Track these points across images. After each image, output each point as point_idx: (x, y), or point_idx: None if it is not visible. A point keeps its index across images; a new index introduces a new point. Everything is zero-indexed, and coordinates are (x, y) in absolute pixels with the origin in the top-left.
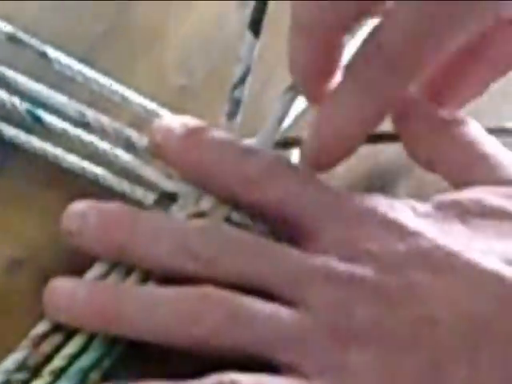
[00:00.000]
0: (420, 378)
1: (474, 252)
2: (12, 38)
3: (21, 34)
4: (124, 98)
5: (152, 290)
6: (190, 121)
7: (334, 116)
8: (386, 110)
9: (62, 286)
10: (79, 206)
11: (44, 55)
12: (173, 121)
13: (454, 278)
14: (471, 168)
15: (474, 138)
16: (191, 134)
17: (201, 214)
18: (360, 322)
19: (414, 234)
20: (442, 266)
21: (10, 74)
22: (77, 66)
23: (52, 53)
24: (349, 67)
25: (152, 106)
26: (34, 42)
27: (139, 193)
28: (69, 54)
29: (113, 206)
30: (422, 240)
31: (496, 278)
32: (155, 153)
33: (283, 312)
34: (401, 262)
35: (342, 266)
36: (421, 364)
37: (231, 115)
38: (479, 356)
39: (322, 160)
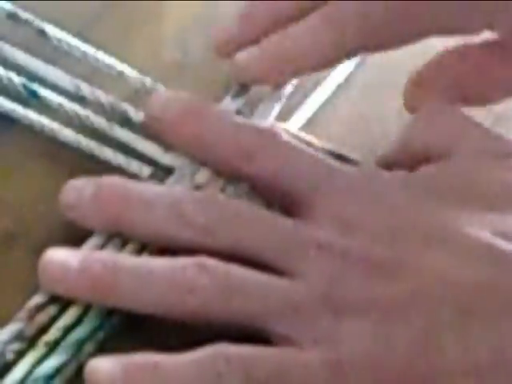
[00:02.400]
0: (412, 347)
1: (464, 223)
2: (11, 16)
3: (20, 12)
4: (120, 73)
5: (147, 260)
6: (188, 95)
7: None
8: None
9: (56, 257)
10: (77, 180)
11: (42, 33)
12: (170, 95)
13: (444, 249)
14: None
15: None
16: (189, 107)
17: (196, 188)
18: (353, 292)
19: (404, 207)
20: (432, 237)
21: (7, 48)
22: (74, 42)
23: (50, 30)
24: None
25: (147, 80)
26: (32, 19)
27: (135, 166)
28: (65, 29)
29: (108, 179)
30: (412, 212)
31: (486, 249)
32: (152, 125)
33: (277, 282)
34: (392, 235)
35: (335, 238)
36: (413, 334)
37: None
38: (471, 325)
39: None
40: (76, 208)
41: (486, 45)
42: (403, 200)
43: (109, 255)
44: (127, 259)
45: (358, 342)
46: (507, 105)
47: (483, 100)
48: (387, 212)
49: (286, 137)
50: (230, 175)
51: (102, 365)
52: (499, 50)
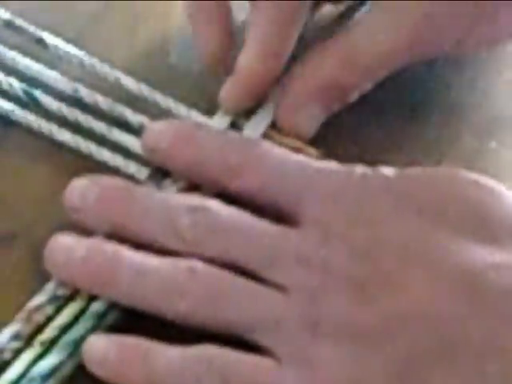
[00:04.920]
0: (391, 377)
1: (455, 246)
2: (9, 24)
3: (18, 21)
4: (116, 79)
5: (145, 258)
6: (178, 123)
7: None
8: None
9: (62, 242)
10: (81, 181)
11: (40, 41)
12: (162, 125)
13: (429, 272)
14: None
15: None
16: (179, 135)
17: (193, 188)
18: (332, 314)
19: (385, 219)
20: (412, 256)
21: (6, 53)
22: (71, 49)
23: (48, 38)
24: None
25: (144, 87)
26: (30, 28)
27: (133, 168)
28: (64, 30)
29: (111, 182)
30: (392, 226)
31: (475, 278)
32: (149, 157)
33: (263, 293)
34: (372, 250)
35: (315, 250)
36: (393, 363)
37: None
38: (455, 360)
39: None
40: (79, 210)
41: None
42: (384, 209)
43: (112, 247)
44: (128, 254)
45: (334, 368)
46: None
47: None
48: (368, 224)
49: (271, 149)
50: (221, 193)
51: (98, 343)
52: None
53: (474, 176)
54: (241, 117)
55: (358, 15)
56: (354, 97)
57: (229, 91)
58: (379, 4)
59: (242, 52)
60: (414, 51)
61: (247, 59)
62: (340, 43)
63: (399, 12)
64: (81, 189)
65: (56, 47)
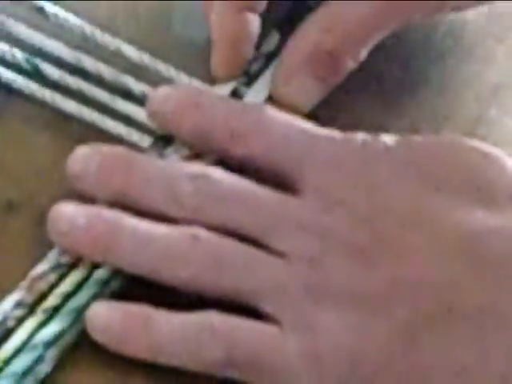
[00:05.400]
0: (392, 341)
1: (455, 211)
2: None
3: None
4: (117, 49)
5: (148, 225)
6: (182, 88)
7: None
8: None
9: (64, 211)
10: (83, 150)
11: (41, 10)
12: (168, 90)
13: (423, 237)
14: None
15: None
16: (184, 99)
17: (195, 156)
18: (333, 278)
19: (385, 185)
20: (411, 222)
21: (8, 22)
22: (73, 19)
23: (49, 7)
24: None
25: (145, 57)
26: None
27: (135, 136)
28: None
29: (113, 150)
30: (392, 192)
31: (475, 243)
32: (154, 120)
33: (265, 260)
34: (372, 216)
35: (315, 218)
36: (394, 328)
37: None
38: (452, 324)
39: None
40: (82, 178)
41: None
42: (384, 176)
43: (114, 215)
44: (130, 221)
45: (336, 333)
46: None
47: None
48: (368, 190)
49: (274, 115)
50: (224, 162)
51: (101, 310)
52: None
53: (474, 143)
54: (242, 85)
55: None
56: (347, 67)
57: (213, 59)
58: None
59: (213, 13)
60: (394, 14)
61: (218, 18)
62: (322, 11)
63: None
64: (83, 157)
65: (56, 16)
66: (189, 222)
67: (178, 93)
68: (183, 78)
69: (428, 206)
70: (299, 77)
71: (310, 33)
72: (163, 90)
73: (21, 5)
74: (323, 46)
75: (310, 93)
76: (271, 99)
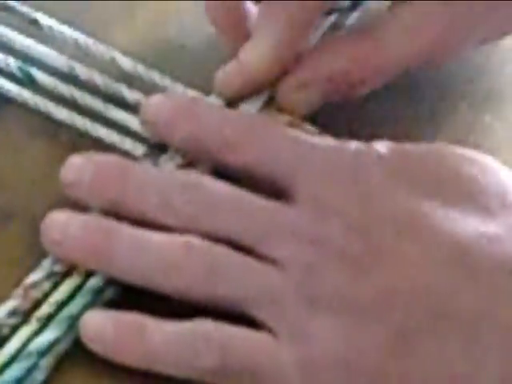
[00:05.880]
0: (386, 349)
1: (448, 219)
2: (2, 5)
3: (11, 2)
4: (112, 59)
5: (143, 233)
6: (176, 96)
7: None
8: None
9: (57, 219)
10: (77, 159)
11: (35, 22)
12: (161, 98)
13: (417, 244)
14: None
15: None
16: (178, 108)
17: (188, 164)
18: (327, 287)
19: (379, 193)
20: (405, 229)
21: (2, 30)
22: (68, 31)
23: (43, 19)
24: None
25: (140, 66)
26: (24, 9)
27: (128, 144)
28: (62, 8)
29: (107, 159)
30: (386, 199)
31: (461, 251)
32: (148, 130)
33: (258, 268)
34: (366, 224)
35: (309, 226)
36: (386, 335)
37: None
38: (446, 331)
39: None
40: (76, 186)
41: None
42: (377, 184)
43: (108, 223)
44: (124, 230)
45: (330, 341)
46: None
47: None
48: (362, 197)
49: (268, 124)
50: (220, 168)
51: (95, 319)
52: None
53: (467, 152)
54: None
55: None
56: (359, 93)
57: (226, 78)
58: (402, 4)
59: (249, 44)
60: (433, 55)
61: (252, 57)
62: (359, 38)
63: (424, 13)
64: (77, 166)
65: (51, 28)
66: (183, 230)
67: (172, 101)
68: (177, 88)
69: (421, 215)
70: (310, 90)
71: (339, 59)
72: (156, 99)
73: (15, 16)
74: (348, 74)
75: (314, 103)
76: (268, 103)
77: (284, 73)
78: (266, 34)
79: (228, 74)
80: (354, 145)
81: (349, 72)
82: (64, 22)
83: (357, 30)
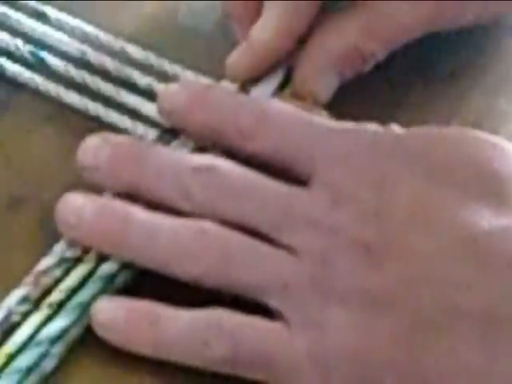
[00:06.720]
0: (398, 342)
1: (463, 209)
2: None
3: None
4: (122, 49)
5: (156, 218)
6: (192, 83)
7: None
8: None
9: (72, 202)
10: (93, 140)
11: (43, 15)
12: (176, 88)
13: (435, 236)
14: None
15: None
16: (193, 97)
17: (201, 149)
18: (340, 276)
19: (393, 181)
20: (418, 220)
21: (13, 15)
22: (76, 23)
23: (51, 12)
24: None
25: (151, 56)
26: (32, 2)
27: (140, 129)
28: None
29: (123, 140)
30: (405, 190)
31: (474, 245)
32: (165, 120)
33: (273, 254)
34: (379, 213)
35: (324, 213)
36: (400, 328)
37: None
38: (458, 326)
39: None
40: (92, 169)
41: None
42: (393, 170)
43: (123, 207)
44: (139, 214)
45: (342, 332)
46: None
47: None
48: (378, 184)
49: (284, 109)
50: (237, 155)
51: (106, 306)
52: None
53: (483, 135)
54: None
55: None
56: (369, 66)
57: (238, 60)
58: None
59: (260, 21)
60: (434, 23)
61: (263, 32)
62: (362, 12)
63: None
64: (93, 148)
65: (59, 20)
66: (198, 215)
67: (187, 90)
68: (189, 76)
69: (434, 203)
70: (327, 73)
71: (347, 33)
72: (172, 88)
73: (23, 10)
74: (359, 47)
75: (331, 86)
76: (282, 88)
77: (296, 48)
78: (276, 7)
79: (240, 55)
80: (371, 127)
81: (359, 47)
82: (72, 10)
83: (358, 4)
